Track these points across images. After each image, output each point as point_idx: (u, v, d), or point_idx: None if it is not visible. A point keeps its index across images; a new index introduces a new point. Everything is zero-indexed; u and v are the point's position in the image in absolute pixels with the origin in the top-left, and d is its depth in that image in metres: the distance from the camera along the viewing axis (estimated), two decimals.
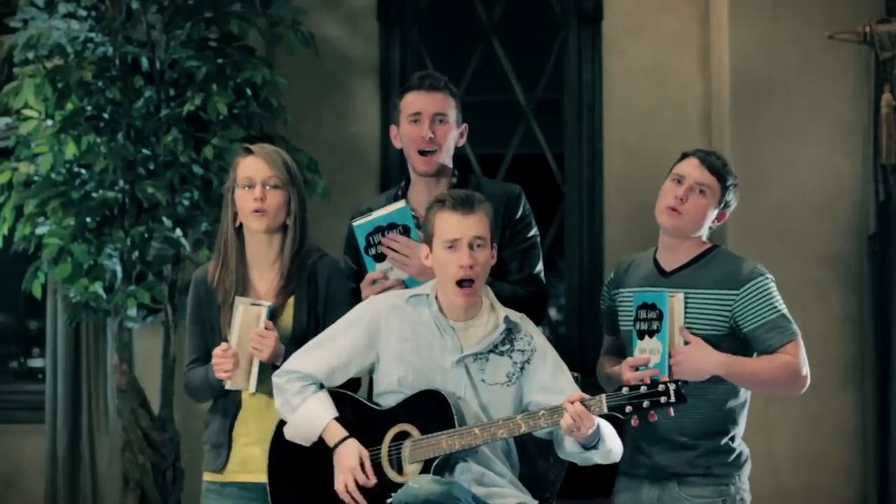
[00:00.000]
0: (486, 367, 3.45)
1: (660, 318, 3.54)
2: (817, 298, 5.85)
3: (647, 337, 3.56)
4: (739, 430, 3.67)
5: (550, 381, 3.45)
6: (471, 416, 3.40)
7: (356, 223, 3.69)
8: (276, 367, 3.55)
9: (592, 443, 3.35)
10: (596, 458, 3.38)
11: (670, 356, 3.52)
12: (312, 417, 3.44)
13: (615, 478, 3.76)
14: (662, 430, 3.57)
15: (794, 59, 5.91)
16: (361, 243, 3.68)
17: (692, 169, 3.63)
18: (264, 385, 3.59)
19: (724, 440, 3.62)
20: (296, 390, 3.47)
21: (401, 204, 3.71)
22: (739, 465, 3.66)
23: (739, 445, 3.67)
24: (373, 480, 3.38)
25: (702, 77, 6.31)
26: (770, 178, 5.91)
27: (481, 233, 3.41)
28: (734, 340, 3.58)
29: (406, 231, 3.66)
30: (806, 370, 3.59)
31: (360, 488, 3.40)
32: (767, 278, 3.61)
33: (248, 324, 3.58)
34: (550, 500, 3.67)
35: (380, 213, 3.68)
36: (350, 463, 3.39)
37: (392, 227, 3.67)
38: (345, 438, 3.42)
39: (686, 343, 3.53)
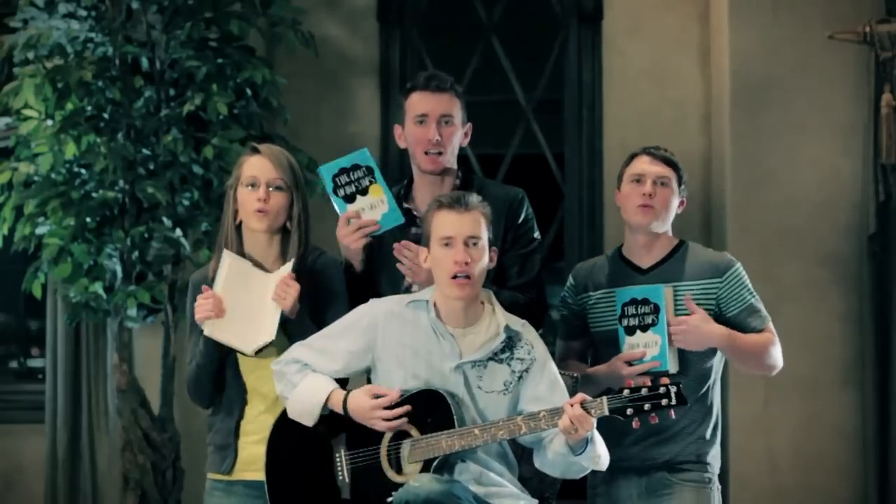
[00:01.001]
0: (484, 375, 3.44)
1: (655, 311, 3.59)
2: (817, 298, 5.86)
3: (638, 332, 3.61)
4: (719, 419, 3.74)
5: (546, 394, 3.44)
6: (469, 421, 3.39)
7: (322, 166, 3.72)
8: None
9: (582, 448, 3.34)
10: (585, 462, 3.35)
11: (671, 330, 3.57)
12: (314, 389, 3.44)
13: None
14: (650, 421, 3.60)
15: (794, 59, 5.92)
16: (329, 185, 3.70)
17: (648, 165, 3.71)
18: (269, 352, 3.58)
19: (709, 430, 3.69)
20: (296, 370, 3.48)
21: (363, 149, 3.75)
22: (719, 459, 3.74)
23: (719, 435, 3.74)
24: (397, 392, 3.37)
25: (702, 77, 6.31)
26: (770, 178, 5.92)
27: (476, 232, 3.41)
28: None
29: (370, 172, 3.69)
30: (780, 350, 3.71)
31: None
32: (740, 265, 3.72)
33: (238, 280, 3.57)
34: (550, 500, 3.67)
35: (343, 157, 3.72)
36: (366, 403, 3.38)
37: (356, 168, 3.70)
38: (349, 393, 3.42)
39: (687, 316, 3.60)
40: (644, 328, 3.61)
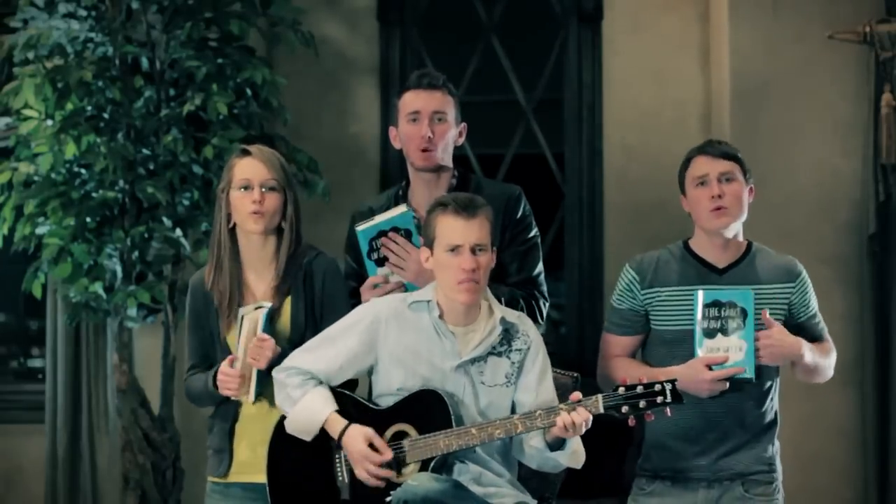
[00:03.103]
0: (486, 370, 3.45)
1: (741, 315, 3.52)
2: (818, 298, 5.84)
3: (719, 335, 3.54)
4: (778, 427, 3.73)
5: (535, 384, 3.46)
6: (471, 418, 3.40)
7: (359, 228, 3.69)
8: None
9: (560, 444, 3.34)
10: (562, 458, 3.36)
11: (757, 340, 3.52)
12: (313, 410, 3.45)
13: (633, 479, 3.75)
14: (723, 429, 3.60)
15: (795, 59, 5.91)
16: (364, 248, 3.68)
17: (708, 165, 3.62)
18: (264, 391, 3.58)
19: (776, 436, 3.70)
20: (296, 384, 3.48)
21: (403, 208, 3.70)
22: (780, 460, 3.75)
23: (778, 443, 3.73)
24: (389, 454, 3.37)
25: (702, 77, 6.31)
26: (770, 178, 5.90)
27: (482, 239, 3.41)
28: None
29: (408, 235, 3.66)
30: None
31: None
32: (805, 270, 3.70)
33: (252, 332, 3.57)
34: (550, 500, 3.67)
35: (383, 218, 3.68)
36: (360, 449, 3.38)
37: (395, 230, 3.67)
38: (347, 426, 3.42)
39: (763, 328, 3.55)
40: (725, 331, 3.53)
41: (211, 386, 3.58)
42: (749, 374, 3.52)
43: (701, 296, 3.57)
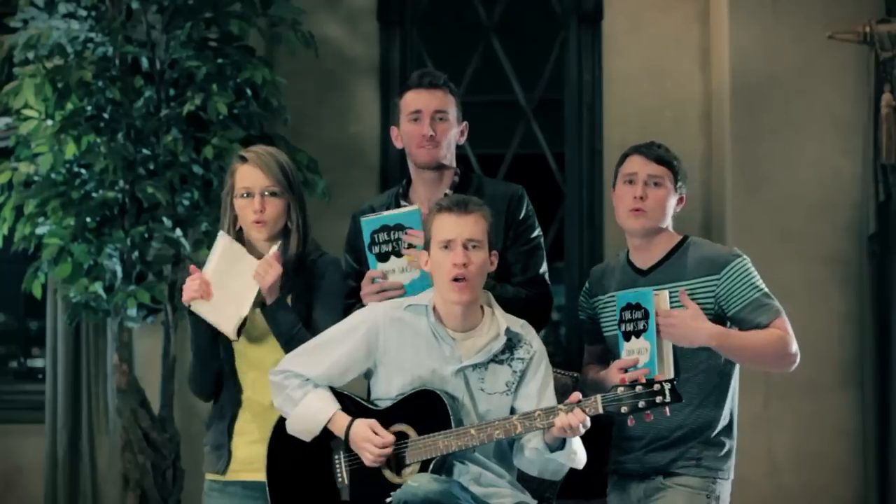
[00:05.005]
0: (486, 377, 3.44)
1: (645, 317, 3.52)
2: (817, 298, 5.86)
3: (633, 338, 3.55)
4: (734, 423, 3.67)
5: (536, 394, 3.45)
6: (466, 424, 3.39)
7: (364, 219, 3.67)
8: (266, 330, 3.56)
9: (559, 445, 3.34)
10: (561, 458, 3.36)
11: (660, 322, 3.50)
12: (316, 409, 3.45)
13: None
14: (649, 427, 3.57)
15: (795, 59, 5.92)
16: (366, 240, 3.66)
17: (640, 165, 3.61)
18: (243, 329, 3.58)
19: (715, 433, 3.61)
20: (296, 385, 3.47)
21: (414, 207, 3.69)
22: (728, 459, 3.65)
23: (732, 440, 3.66)
24: (391, 437, 3.37)
25: (702, 77, 6.31)
26: (770, 178, 5.92)
27: (475, 235, 3.40)
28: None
29: None
30: (795, 346, 3.59)
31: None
32: (745, 259, 3.60)
33: (230, 262, 3.56)
34: (550, 500, 3.67)
35: (390, 213, 3.67)
36: (363, 434, 3.38)
37: (399, 228, 3.65)
38: (353, 421, 3.42)
39: (680, 308, 3.51)
40: (637, 334, 3.54)
41: (190, 329, 3.57)
42: (653, 374, 3.48)
43: (617, 299, 3.59)
